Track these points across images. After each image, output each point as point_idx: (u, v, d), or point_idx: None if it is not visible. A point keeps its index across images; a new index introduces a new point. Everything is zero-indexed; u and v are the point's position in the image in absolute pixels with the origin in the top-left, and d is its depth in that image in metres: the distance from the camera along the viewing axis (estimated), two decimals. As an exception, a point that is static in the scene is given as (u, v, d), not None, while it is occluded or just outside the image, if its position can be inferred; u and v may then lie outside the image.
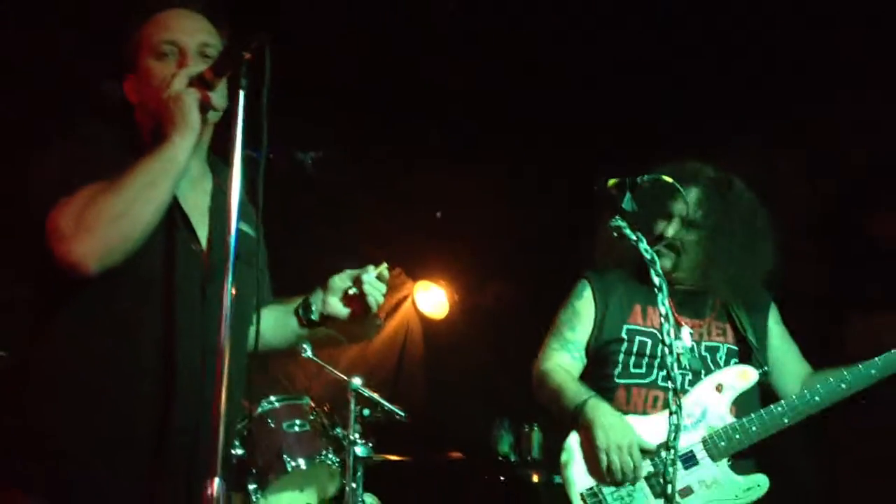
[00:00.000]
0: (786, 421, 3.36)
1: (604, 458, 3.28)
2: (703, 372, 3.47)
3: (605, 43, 5.08)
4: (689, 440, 3.36)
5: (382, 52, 5.22)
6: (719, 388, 3.43)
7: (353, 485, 4.40)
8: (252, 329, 2.59)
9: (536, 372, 3.61)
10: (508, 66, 5.39)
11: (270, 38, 2.12)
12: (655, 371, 3.48)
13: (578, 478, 3.37)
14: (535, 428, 6.41)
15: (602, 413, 3.34)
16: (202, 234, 2.51)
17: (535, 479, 6.30)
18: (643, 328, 3.54)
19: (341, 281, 2.67)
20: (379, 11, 4.93)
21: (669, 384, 2.64)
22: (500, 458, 6.64)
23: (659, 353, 3.47)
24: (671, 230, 3.47)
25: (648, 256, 2.75)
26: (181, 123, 2.31)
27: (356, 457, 4.40)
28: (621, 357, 3.51)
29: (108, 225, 2.24)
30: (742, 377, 3.45)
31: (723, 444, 3.36)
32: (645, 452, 3.33)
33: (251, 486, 4.18)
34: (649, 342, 3.50)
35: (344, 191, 6.19)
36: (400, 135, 5.76)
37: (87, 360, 2.34)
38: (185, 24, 2.50)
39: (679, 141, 4.95)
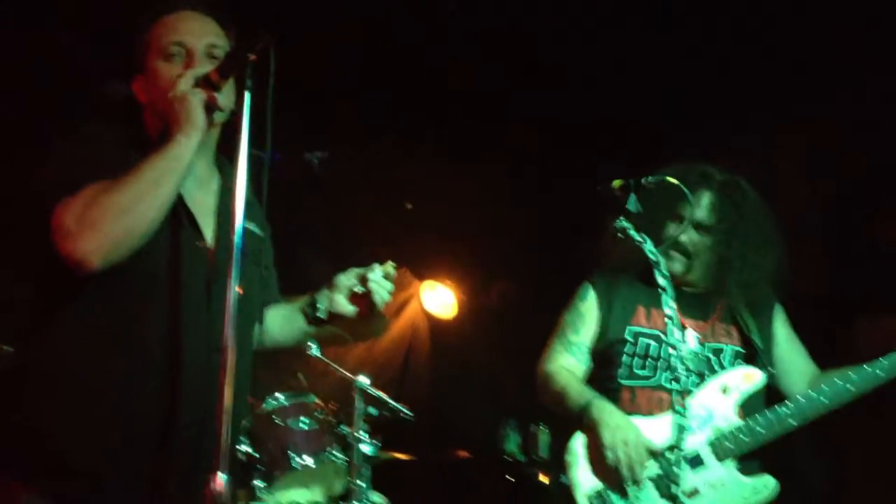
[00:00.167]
0: (792, 422, 3.35)
1: (611, 456, 3.27)
2: (707, 374, 3.47)
3: (607, 42, 5.09)
4: (696, 442, 3.36)
5: (388, 51, 5.23)
6: (725, 389, 3.43)
7: (360, 483, 4.40)
8: (257, 327, 2.62)
9: (540, 373, 3.62)
10: (508, 65, 5.40)
11: (275, 40, 2.14)
12: (659, 372, 3.47)
13: (584, 479, 3.37)
14: (543, 427, 6.41)
15: (608, 413, 3.34)
16: (208, 232, 2.54)
17: (543, 478, 6.30)
18: (647, 330, 3.54)
19: (347, 279, 2.69)
20: (380, 12, 4.94)
21: (674, 384, 2.64)
22: (508, 458, 6.64)
23: (663, 355, 3.47)
24: (684, 235, 3.48)
25: (654, 258, 2.75)
26: (186, 123, 2.34)
27: (363, 455, 4.41)
28: (625, 359, 3.51)
29: (113, 221, 2.27)
30: (748, 379, 3.45)
31: (729, 445, 3.36)
32: (651, 453, 3.33)
33: (257, 483, 4.20)
34: (653, 344, 3.51)
35: (350, 191, 6.20)
36: (406, 134, 5.76)
37: (89, 357, 2.37)
38: (193, 25, 2.53)
39: (679, 141, 4.95)
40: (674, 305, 2.68)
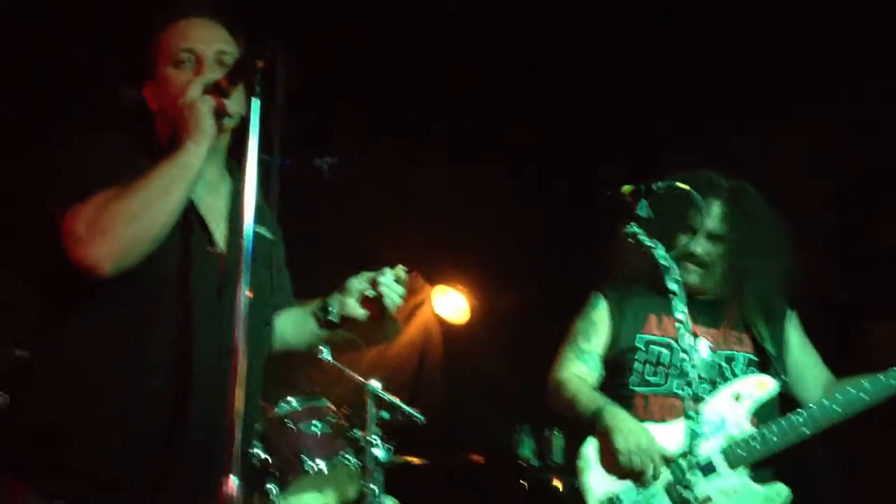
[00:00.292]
0: (805, 431, 3.35)
1: (624, 460, 3.27)
2: (719, 381, 3.46)
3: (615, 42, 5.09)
4: (708, 449, 3.36)
5: (397, 52, 5.24)
6: (737, 397, 3.42)
7: (373, 487, 4.41)
8: (269, 330, 2.64)
9: (552, 381, 3.63)
10: (509, 65, 5.41)
11: (283, 46, 2.16)
12: (671, 379, 3.47)
13: (596, 484, 3.37)
14: (557, 432, 6.41)
15: (620, 418, 3.35)
16: (220, 237, 2.55)
17: (557, 483, 6.30)
18: (658, 338, 3.54)
19: (359, 283, 2.69)
20: (381, 15, 4.96)
21: (686, 390, 2.63)
22: (522, 463, 6.64)
23: (674, 362, 3.47)
24: (699, 247, 3.47)
25: (664, 263, 2.75)
26: (196, 130, 2.36)
27: (375, 459, 4.41)
28: (637, 366, 3.52)
29: (123, 228, 2.29)
30: (760, 387, 3.44)
31: (742, 453, 3.35)
32: (663, 459, 3.32)
33: (270, 487, 4.21)
34: (664, 351, 3.51)
35: (361, 195, 6.21)
36: (419, 138, 5.77)
37: (96, 359, 2.38)
38: (203, 32, 2.55)
39: (680, 141, 4.96)
40: (685, 310, 2.67)
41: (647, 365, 3.51)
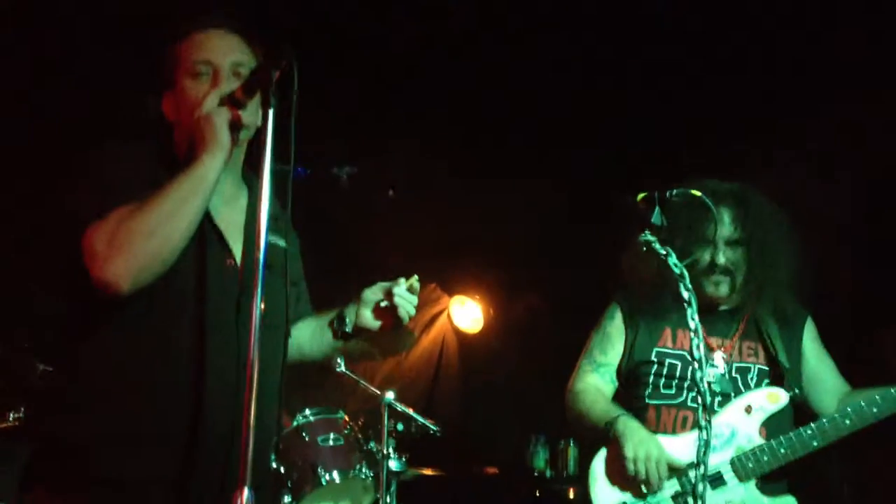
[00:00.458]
0: (815, 444, 3.33)
1: (631, 468, 3.29)
2: (733, 394, 3.46)
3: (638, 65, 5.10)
4: (717, 461, 3.35)
5: (418, 61, 5.26)
6: (748, 409, 3.42)
7: (387, 499, 4.42)
8: (288, 340, 2.63)
9: (569, 392, 3.66)
10: (539, 87, 5.42)
11: (298, 57, 2.17)
12: (685, 392, 3.48)
13: (602, 495, 3.40)
14: (572, 443, 6.40)
15: (632, 429, 3.36)
16: (237, 249, 2.55)
17: (571, 494, 6.28)
18: (673, 351, 3.54)
19: (373, 293, 2.69)
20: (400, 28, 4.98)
21: (699, 401, 2.62)
22: (536, 474, 6.64)
23: (688, 375, 3.47)
24: (722, 256, 3.47)
25: (678, 271, 2.74)
26: (211, 142, 2.36)
27: (390, 471, 4.42)
28: (651, 378, 3.53)
29: (139, 244, 2.29)
30: (772, 399, 3.43)
31: (750, 465, 3.34)
32: (673, 470, 3.34)
33: (286, 499, 4.22)
34: (679, 364, 3.51)
35: (379, 206, 6.23)
36: (436, 151, 5.79)
37: (120, 375, 2.38)
38: (219, 44, 2.55)
39: (696, 147, 4.97)
40: (697, 318, 2.67)
41: (662, 378, 3.52)
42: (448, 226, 6.37)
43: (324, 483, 4.27)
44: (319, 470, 4.27)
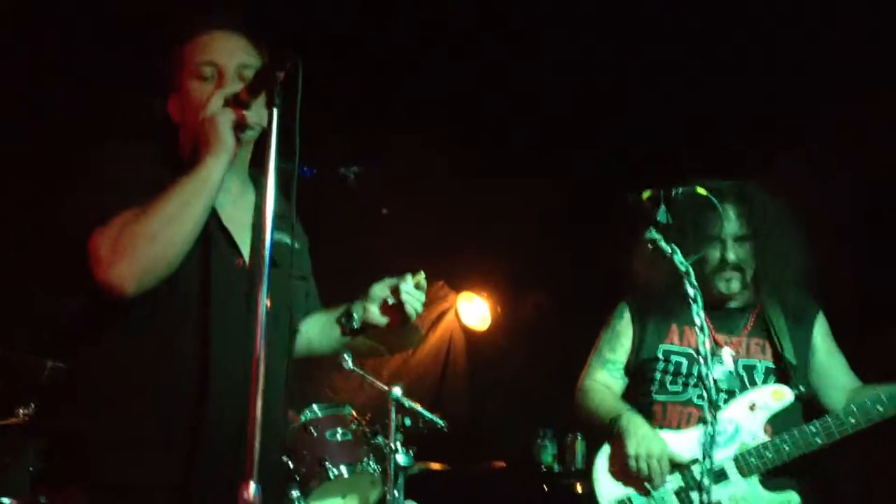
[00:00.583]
0: (819, 441, 3.35)
1: (633, 464, 3.34)
2: (738, 391, 3.47)
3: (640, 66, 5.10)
4: (721, 457, 3.37)
5: (421, 59, 5.26)
6: (753, 406, 3.43)
7: (395, 493, 4.44)
8: (296, 337, 2.65)
9: (578, 390, 3.72)
10: (540, 87, 5.42)
11: (302, 58, 2.17)
12: (691, 389, 3.51)
13: (606, 490, 3.45)
14: (579, 438, 6.40)
15: (635, 425, 3.41)
16: (245, 248, 2.55)
17: (579, 489, 6.29)
18: (679, 348, 3.57)
19: (380, 290, 2.70)
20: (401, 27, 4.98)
21: (705, 396, 2.64)
22: (543, 468, 6.64)
23: (694, 372, 3.50)
24: (732, 253, 3.48)
25: (683, 268, 2.76)
26: (215, 144, 2.35)
27: (397, 465, 4.44)
28: (658, 375, 3.57)
29: (143, 248, 2.29)
30: (776, 396, 3.44)
31: (753, 461, 3.36)
32: (676, 466, 3.38)
33: (293, 494, 4.24)
34: (685, 361, 3.54)
35: (385, 203, 6.23)
36: (442, 149, 5.79)
37: (125, 379, 2.40)
38: (225, 45, 2.55)
39: (700, 147, 4.96)
40: (703, 315, 2.68)
41: (668, 375, 3.56)
42: (456, 224, 6.38)
43: (332, 477, 4.29)
44: (327, 464, 4.29)
